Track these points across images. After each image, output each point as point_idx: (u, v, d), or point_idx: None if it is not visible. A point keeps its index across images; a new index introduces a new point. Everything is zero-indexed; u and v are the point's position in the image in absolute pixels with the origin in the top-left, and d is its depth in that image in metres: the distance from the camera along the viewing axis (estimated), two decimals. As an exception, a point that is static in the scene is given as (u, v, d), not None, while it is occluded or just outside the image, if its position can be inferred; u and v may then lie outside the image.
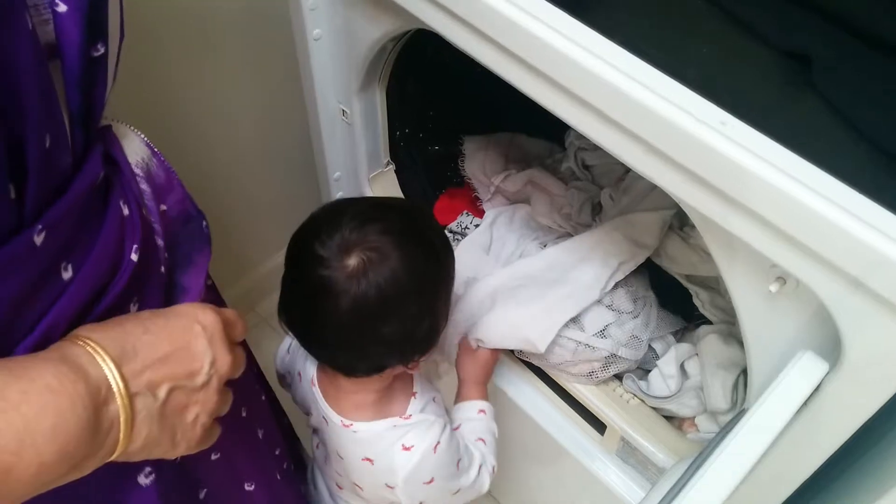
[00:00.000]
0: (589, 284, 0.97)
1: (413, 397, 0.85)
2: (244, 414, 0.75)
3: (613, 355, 0.96)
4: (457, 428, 0.91)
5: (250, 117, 1.39)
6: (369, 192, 1.17)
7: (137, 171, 0.58)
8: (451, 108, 1.25)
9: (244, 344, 0.82)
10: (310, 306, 0.73)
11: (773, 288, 0.60)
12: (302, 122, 1.14)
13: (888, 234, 0.49)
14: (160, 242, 0.59)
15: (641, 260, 0.98)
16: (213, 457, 0.69)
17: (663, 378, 0.96)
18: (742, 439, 0.53)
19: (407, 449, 0.80)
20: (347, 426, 0.81)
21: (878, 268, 0.49)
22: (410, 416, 0.83)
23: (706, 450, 0.56)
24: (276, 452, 0.86)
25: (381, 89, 1.04)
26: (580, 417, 1.03)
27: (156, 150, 0.61)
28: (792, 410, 0.54)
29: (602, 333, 0.97)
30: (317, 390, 0.84)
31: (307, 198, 1.55)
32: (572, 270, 1.00)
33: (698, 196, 0.59)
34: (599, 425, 1.01)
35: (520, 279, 1.02)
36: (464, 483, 0.85)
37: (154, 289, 0.57)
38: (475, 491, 0.89)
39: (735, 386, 0.89)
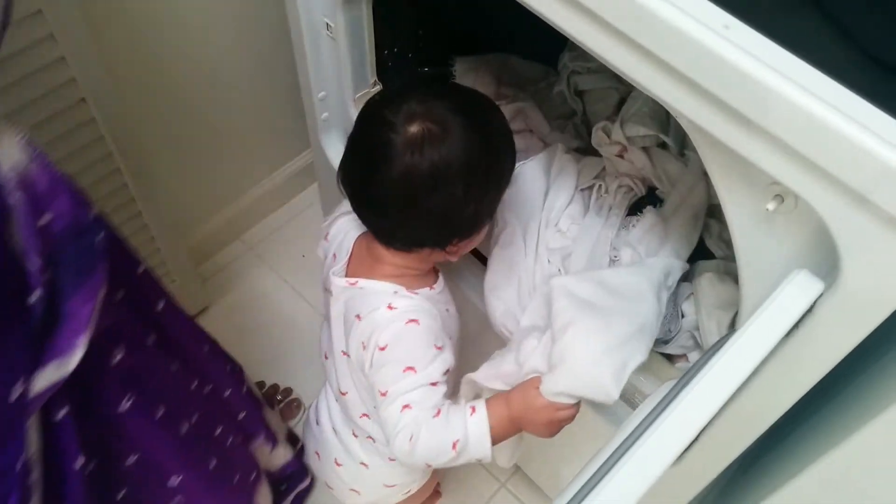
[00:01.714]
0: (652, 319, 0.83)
1: (429, 289, 0.86)
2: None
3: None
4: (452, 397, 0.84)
5: (229, 33, 1.33)
6: (355, 112, 1.13)
7: (10, 176, 0.51)
8: (442, 28, 1.21)
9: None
10: (366, 164, 0.78)
11: (771, 206, 0.57)
12: (285, 37, 1.09)
13: (897, 145, 0.46)
14: (33, 265, 0.52)
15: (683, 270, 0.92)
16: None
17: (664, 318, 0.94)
18: (731, 357, 0.51)
19: (391, 308, 0.81)
20: (353, 284, 0.84)
21: (885, 181, 0.47)
22: (416, 293, 0.84)
23: (693, 368, 0.54)
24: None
25: (367, 3, 0.99)
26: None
27: (39, 151, 0.54)
28: (785, 328, 0.52)
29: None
30: (344, 260, 0.88)
31: (292, 121, 1.51)
32: (640, 301, 0.83)
33: (696, 106, 0.55)
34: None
35: (590, 295, 0.82)
36: (391, 390, 0.78)
37: (12, 324, 0.50)
38: (386, 420, 0.80)
39: (731, 325, 0.87)
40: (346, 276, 0.87)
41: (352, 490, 1.00)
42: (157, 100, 1.29)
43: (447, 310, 0.89)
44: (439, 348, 0.81)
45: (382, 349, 0.80)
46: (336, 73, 1.09)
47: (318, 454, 1.03)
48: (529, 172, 1.02)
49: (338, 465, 0.98)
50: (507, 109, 1.14)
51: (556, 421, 0.79)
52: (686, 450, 0.83)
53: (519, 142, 1.15)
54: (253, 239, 1.69)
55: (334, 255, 0.91)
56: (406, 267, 0.84)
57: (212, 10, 1.27)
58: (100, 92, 1.08)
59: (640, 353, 0.78)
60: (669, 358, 0.95)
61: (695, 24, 0.52)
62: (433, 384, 0.79)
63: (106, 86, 1.09)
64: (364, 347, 0.82)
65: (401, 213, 0.78)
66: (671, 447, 0.54)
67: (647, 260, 0.91)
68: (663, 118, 1.01)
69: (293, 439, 1.24)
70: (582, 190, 1.01)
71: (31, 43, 0.95)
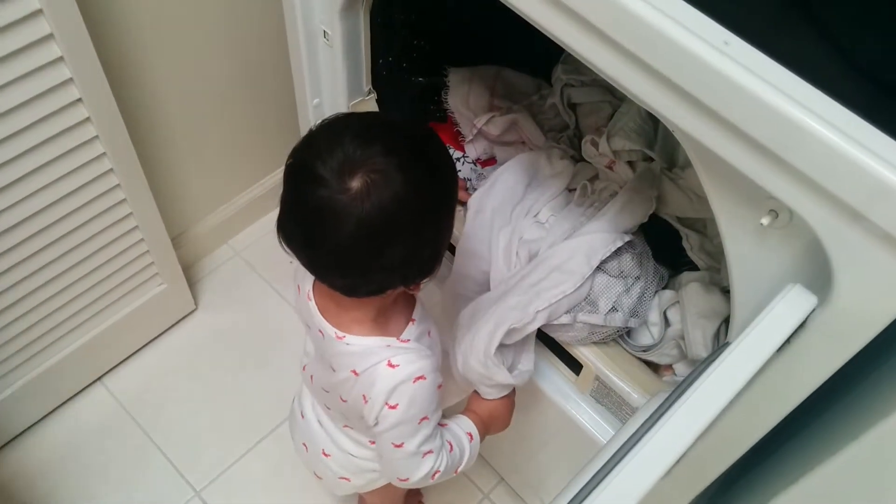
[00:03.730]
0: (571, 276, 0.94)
1: (412, 323, 0.84)
2: None
3: (623, 328, 0.94)
4: (444, 425, 0.90)
5: (223, 39, 1.33)
6: (349, 122, 1.14)
7: None
8: (437, 39, 1.21)
9: None
10: (310, 227, 0.71)
11: (765, 221, 0.58)
12: (279, 44, 1.09)
13: (893, 164, 0.47)
14: None
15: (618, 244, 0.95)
16: None
17: (647, 326, 0.95)
18: (724, 371, 0.52)
19: (392, 367, 0.79)
20: (341, 338, 0.81)
21: (880, 198, 0.48)
22: (408, 340, 0.82)
23: (684, 382, 0.54)
24: None
25: (364, 12, 1.00)
26: (556, 357, 1.02)
27: None
28: (778, 342, 0.53)
29: (614, 307, 0.93)
30: (313, 305, 0.83)
31: (285, 127, 1.51)
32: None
33: (692, 120, 0.56)
34: (575, 366, 1.00)
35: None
36: (409, 443, 0.82)
37: None
38: (406, 467, 0.85)
39: (716, 335, 0.88)
40: (325, 318, 0.83)
41: (341, 479, 1.00)
42: (150, 102, 1.29)
43: (428, 332, 0.88)
44: (440, 387, 0.83)
45: (393, 408, 0.80)
46: (331, 80, 1.09)
47: (305, 446, 1.02)
48: (515, 165, 1.04)
49: (325, 455, 0.98)
50: (500, 121, 1.14)
51: (512, 408, 0.97)
52: (676, 462, 0.84)
53: (511, 153, 1.16)
54: (241, 244, 1.68)
55: (298, 286, 0.88)
56: (374, 308, 0.81)
57: (207, 15, 1.27)
58: (95, 94, 1.08)
59: (484, 342, 0.91)
60: (656, 369, 0.95)
61: (694, 40, 0.52)
62: (437, 423, 0.85)
63: (102, 88, 1.09)
64: (365, 400, 0.81)
65: (358, 268, 0.72)
66: (664, 459, 0.54)
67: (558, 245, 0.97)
68: (650, 134, 1.02)
69: None
70: (570, 190, 1.03)
71: (30, 42, 0.95)
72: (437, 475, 0.86)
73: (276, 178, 1.66)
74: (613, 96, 1.10)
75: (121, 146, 1.17)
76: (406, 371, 0.79)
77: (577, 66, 1.12)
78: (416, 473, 0.85)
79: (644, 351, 0.95)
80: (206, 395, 1.47)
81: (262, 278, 1.64)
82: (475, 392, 0.96)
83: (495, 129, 1.15)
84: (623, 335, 0.97)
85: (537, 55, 1.12)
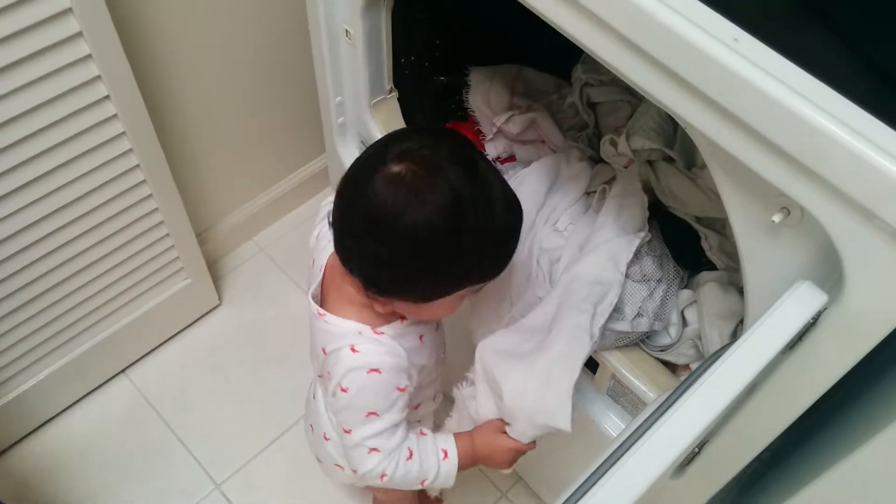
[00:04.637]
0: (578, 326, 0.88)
1: (400, 321, 0.85)
2: None
3: (648, 332, 0.94)
4: (423, 434, 0.89)
5: (248, 36, 1.35)
6: (371, 119, 1.15)
7: None
8: (458, 38, 1.22)
9: None
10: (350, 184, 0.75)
11: (777, 218, 0.58)
12: (304, 42, 1.11)
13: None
14: None
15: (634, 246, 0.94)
16: None
17: (666, 327, 0.95)
18: (731, 365, 0.52)
19: (354, 352, 0.81)
20: (322, 315, 0.83)
21: (893, 197, 0.47)
22: (382, 333, 0.83)
23: (692, 376, 0.54)
24: None
25: (387, 11, 1.01)
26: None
27: None
28: (786, 337, 0.53)
29: (640, 312, 0.93)
30: (318, 282, 0.86)
31: (308, 125, 1.53)
32: (556, 327, 0.88)
33: (705, 117, 0.56)
34: (592, 364, 1.00)
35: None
36: (355, 433, 0.83)
37: None
38: (351, 456, 0.86)
39: (733, 335, 0.88)
40: (321, 293, 0.86)
41: (336, 465, 1.01)
42: (176, 100, 1.31)
43: (420, 337, 0.88)
44: (402, 389, 0.84)
45: (344, 391, 0.82)
46: (353, 79, 1.10)
47: (311, 427, 1.04)
48: (535, 170, 1.03)
49: (326, 439, 1.00)
50: (520, 119, 1.15)
51: (518, 455, 0.89)
52: (688, 462, 0.84)
53: (531, 152, 1.16)
54: (265, 241, 1.70)
55: (314, 260, 0.90)
56: (368, 306, 0.82)
57: (232, 14, 1.29)
58: (123, 91, 1.10)
59: (567, 373, 0.83)
60: (673, 369, 0.95)
61: (705, 37, 0.53)
62: (395, 424, 0.84)
63: (129, 86, 1.11)
64: (329, 377, 0.83)
65: (356, 242, 0.75)
66: (665, 454, 0.53)
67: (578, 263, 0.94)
68: (669, 133, 1.02)
69: None
70: (588, 194, 1.02)
71: (59, 40, 0.98)
72: (384, 478, 0.85)
73: (299, 176, 1.68)
74: (633, 96, 1.09)
75: (147, 143, 1.19)
76: (364, 359, 0.81)
77: (597, 66, 1.11)
78: (360, 467, 0.85)
79: (662, 351, 0.94)
80: (228, 389, 1.49)
81: (286, 275, 1.66)
82: (492, 421, 0.89)
83: (515, 127, 1.15)
84: (642, 336, 0.96)
85: (558, 55, 1.12)
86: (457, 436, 0.90)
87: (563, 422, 0.82)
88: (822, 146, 0.49)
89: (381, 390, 0.82)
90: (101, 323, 1.36)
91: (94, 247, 1.23)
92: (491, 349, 0.88)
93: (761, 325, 0.53)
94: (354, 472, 0.87)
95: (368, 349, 0.82)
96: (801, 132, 0.50)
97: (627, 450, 0.54)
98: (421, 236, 0.71)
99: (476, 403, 0.90)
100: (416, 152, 0.71)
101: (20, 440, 1.40)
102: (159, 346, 1.53)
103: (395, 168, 0.70)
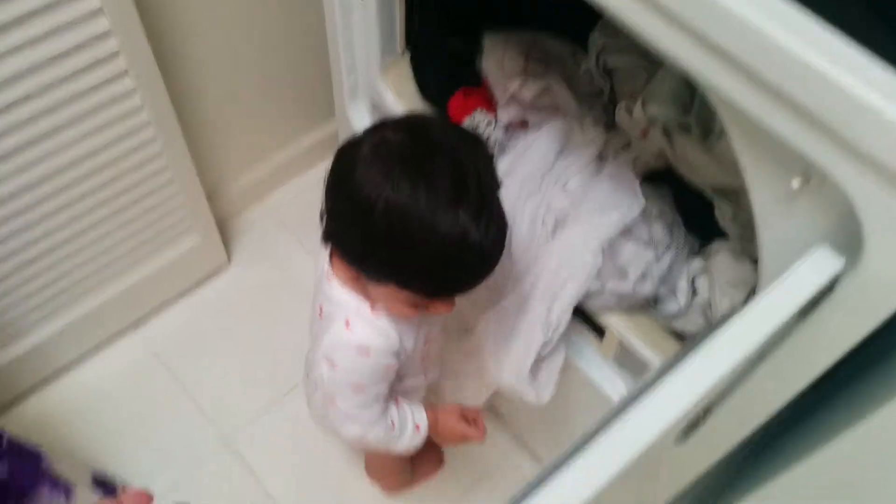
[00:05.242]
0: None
1: None
2: None
3: (652, 296, 0.94)
4: (398, 404, 0.95)
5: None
6: (382, 82, 1.14)
7: None
8: (473, 1, 1.20)
9: None
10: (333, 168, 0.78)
11: (796, 184, 0.57)
12: (316, 3, 1.09)
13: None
14: None
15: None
16: None
17: (674, 294, 0.95)
18: (739, 326, 0.51)
19: (347, 328, 0.82)
20: (330, 279, 0.84)
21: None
22: (379, 315, 0.83)
23: (700, 337, 0.54)
24: None
25: (400, -31, 1.00)
26: (579, 320, 1.02)
27: None
28: (800, 301, 0.52)
29: (643, 275, 0.93)
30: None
31: (320, 87, 1.52)
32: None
33: (728, 80, 0.55)
34: (598, 330, 1.00)
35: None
36: (339, 402, 0.87)
37: None
38: (334, 419, 0.90)
39: (744, 304, 0.88)
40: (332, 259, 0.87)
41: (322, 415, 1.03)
42: (188, 56, 1.30)
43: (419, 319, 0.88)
44: (389, 368, 0.86)
45: (331, 364, 0.84)
46: (365, 41, 1.09)
47: (307, 375, 1.06)
48: (547, 133, 1.04)
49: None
50: (534, 85, 1.14)
51: (466, 442, 1.00)
52: (693, 429, 0.84)
53: (544, 119, 1.15)
54: (275, 202, 1.70)
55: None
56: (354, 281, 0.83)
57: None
58: (134, 47, 1.09)
59: (524, 357, 0.94)
60: (681, 337, 0.95)
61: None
62: (378, 396, 0.88)
63: (140, 42, 1.10)
64: (319, 340, 0.85)
65: (336, 213, 0.77)
66: (667, 414, 0.52)
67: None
68: (686, 100, 1.01)
69: (105, 482, 1.24)
70: (601, 158, 1.02)
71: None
72: (362, 441, 0.91)
73: (311, 137, 1.67)
74: (650, 62, 1.08)
75: (158, 99, 1.18)
76: (354, 338, 0.82)
77: (614, 32, 1.10)
78: (341, 431, 0.91)
79: (670, 318, 0.95)
80: (236, 347, 1.50)
81: (296, 237, 1.66)
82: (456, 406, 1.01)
83: (528, 93, 1.14)
84: (650, 302, 0.97)
85: (574, 21, 1.11)
86: (431, 413, 0.98)
87: (533, 398, 0.96)
88: (850, 108, 0.48)
89: (368, 370, 0.85)
90: (112, 278, 1.37)
91: (104, 202, 1.23)
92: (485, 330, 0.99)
93: (776, 288, 0.53)
94: (335, 432, 0.92)
95: (361, 329, 0.82)
96: (828, 93, 0.49)
97: (628, 410, 0.54)
98: (357, 199, 0.70)
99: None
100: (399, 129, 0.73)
101: (33, 390, 1.42)
102: (169, 303, 1.54)
103: (373, 138, 0.72)
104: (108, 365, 1.47)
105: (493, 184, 0.73)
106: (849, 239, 0.57)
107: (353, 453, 1.39)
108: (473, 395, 1.11)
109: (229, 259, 1.60)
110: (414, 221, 0.67)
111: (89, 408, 1.42)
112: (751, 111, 0.56)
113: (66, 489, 1.11)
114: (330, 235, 0.79)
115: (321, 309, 0.87)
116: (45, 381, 1.43)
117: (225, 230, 1.62)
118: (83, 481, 1.17)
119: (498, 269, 1.01)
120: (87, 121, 1.11)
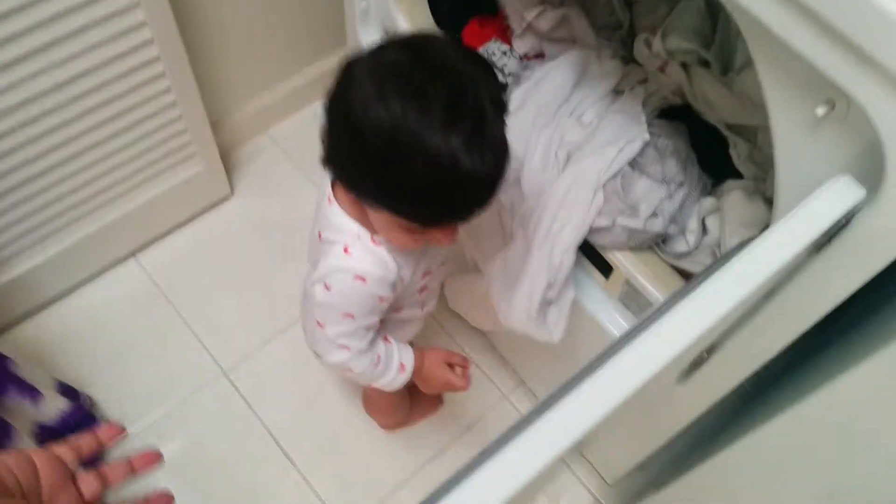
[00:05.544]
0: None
1: None
2: None
3: (663, 233, 0.92)
4: (388, 342, 0.95)
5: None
6: (395, 6, 1.10)
7: None
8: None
9: None
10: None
11: (821, 111, 0.55)
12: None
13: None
14: None
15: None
16: None
17: (683, 233, 0.93)
18: (753, 254, 0.49)
19: (346, 253, 0.81)
20: (331, 202, 0.83)
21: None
22: (379, 244, 0.82)
23: (713, 265, 0.52)
24: None
25: None
26: (585, 258, 1.00)
27: None
28: (819, 230, 0.50)
29: (655, 212, 0.91)
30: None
31: (329, 13, 1.48)
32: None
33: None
34: (605, 268, 0.98)
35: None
36: (328, 328, 0.86)
37: None
38: (320, 345, 0.90)
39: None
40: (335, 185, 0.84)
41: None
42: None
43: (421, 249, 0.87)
44: (383, 299, 0.85)
45: (326, 288, 0.82)
46: (379, -41, 1.05)
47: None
48: (563, 63, 1.00)
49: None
50: (551, 15, 1.10)
51: (448, 389, 0.99)
52: (696, 368, 0.83)
53: (561, 51, 1.12)
54: (280, 134, 1.67)
55: None
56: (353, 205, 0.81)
57: None
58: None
59: (527, 298, 0.94)
60: (689, 277, 0.94)
61: None
62: (368, 327, 0.88)
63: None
64: (314, 266, 0.84)
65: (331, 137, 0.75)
66: (669, 347, 0.49)
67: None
68: (707, 34, 0.98)
69: (70, 391, 1.24)
70: (617, 92, 0.99)
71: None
72: (348, 373, 0.91)
73: (319, 68, 1.64)
74: (672, -6, 1.04)
75: (164, 23, 1.15)
76: (352, 264, 0.81)
77: (637, -40, 1.06)
78: (326, 358, 0.90)
79: (678, 258, 0.93)
80: (237, 279, 1.49)
81: (300, 170, 1.63)
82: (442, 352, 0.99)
83: (545, 23, 1.10)
84: (658, 241, 0.95)
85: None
86: (418, 355, 0.97)
87: (546, 337, 0.97)
88: (882, 26, 0.46)
89: (362, 298, 0.84)
90: (113, 202, 1.35)
91: (106, 122, 1.20)
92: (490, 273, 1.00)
93: (795, 213, 0.51)
94: (318, 355, 0.92)
95: (360, 255, 0.81)
96: (859, 10, 0.46)
97: (629, 343, 0.51)
98: (351, 117, 0.68)
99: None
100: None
101: (29, 315, 1.42)
102: (170, 231, 1.52)
103: (373, 55, 0.69)
104: (107, 292, 1.46)
105: (495, 110, 0.69)
106: (869, 173, 0.55)
107: (351, 390, 1.39)
108: (482, 322, 1.13)
109: (232, 190, 1.58)
110: (403, 141, 0.64)
111: (86, 334, 1.42)
112: (778, 32, 0.53)
113: (31, 392, 1.11)
114: (327, 157, 0.76)
115: (320, 235, 0.85)
116: (42, 306, 1.43)
117: (229, 160, 1.60)
118: (49, 386, 1.18)
119: (507, 205, 0.99)
120: (90, 37, 1.08)
